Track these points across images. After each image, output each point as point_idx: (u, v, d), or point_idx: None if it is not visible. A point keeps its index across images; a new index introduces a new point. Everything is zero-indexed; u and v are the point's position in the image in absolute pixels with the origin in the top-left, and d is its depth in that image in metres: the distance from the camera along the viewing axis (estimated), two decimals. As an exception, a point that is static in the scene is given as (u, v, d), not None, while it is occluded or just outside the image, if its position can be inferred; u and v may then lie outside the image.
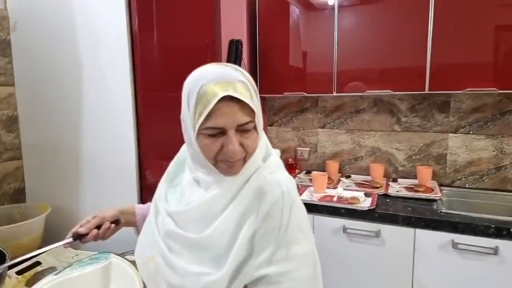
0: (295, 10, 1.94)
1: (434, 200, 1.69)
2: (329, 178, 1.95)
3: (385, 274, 1.59)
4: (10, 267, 1.03)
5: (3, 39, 1.60)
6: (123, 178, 1.46)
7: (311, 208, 1.65)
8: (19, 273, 1.13)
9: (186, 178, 0.82)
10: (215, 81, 0.68)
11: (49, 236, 1.47)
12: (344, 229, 1.61)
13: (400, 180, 2.00)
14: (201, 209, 0.73)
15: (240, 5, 1.92)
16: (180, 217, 0.76)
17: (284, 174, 0.77)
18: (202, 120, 0.68)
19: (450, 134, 1.96)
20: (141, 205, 1.04)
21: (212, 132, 0.69)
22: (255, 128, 0.73)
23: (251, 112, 0.70)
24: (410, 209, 1.59)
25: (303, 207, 0.77)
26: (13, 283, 1.06)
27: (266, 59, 2.00)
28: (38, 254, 0.94)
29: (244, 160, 0.73)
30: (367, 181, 1.98)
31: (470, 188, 1.94)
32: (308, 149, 2.27)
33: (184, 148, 0.90)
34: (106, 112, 1.46)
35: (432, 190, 1.80)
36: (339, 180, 2.02)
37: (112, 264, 0.98)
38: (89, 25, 1.45)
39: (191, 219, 0.74)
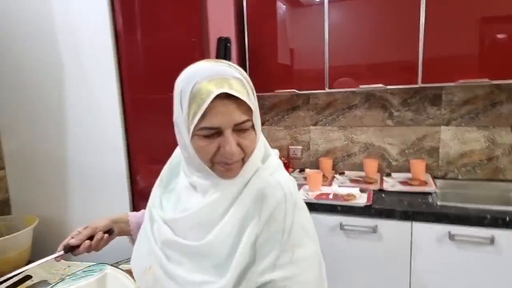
0: (284, 7, 1.91)
1: (429, 193, 1.69)
2: (323, 175, 1.93)
3: (383, 269, 1.58)
4: (-2, 283, 0.98)
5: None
6: (113, 184, 1.42)
7: (307, 206, 1.61)
8: (8, 288, 1.07)
9: (182, 183, 0.78)
10: (209, 79, 0.64)
11: (37, 249, 1.41)
12: (341, 226, 1.59)
13: (394, 174, 2.00)
14: (199, 215, 0.70)
15: (227, 1, 1.88)
16: (178, 225, 0.73)
17: (285, 174, 0.74)
18: (197, 120, 0.64)
19: (442, 127, 1.96)
20: (135, 212, 1.00)
21: (208, 132, 0.65)
22: (253, 127, 0.69)
23: (248, 110, 0.67)
24: (406, 203, 1.59)
25: (306, 208, 0.74)
26: (2, 300, 1.01)
27: (255, 56, 1.97)
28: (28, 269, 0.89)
29: (243, 161, 0.69)
30: (361, 177, 1.97)
31: (463, 179, 1.94)
32: (301, 147, 2.25)
33: (177, 152, 0.86)
34: (92, 115, 1.41)
35: (426, 183, 1.80)
36: (333, 177, 2.00)
37: (108, 276, 0.94)
38: (70, 25, 1.40)
39: (190, 226, 0.71)
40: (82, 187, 1.48)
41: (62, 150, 1.48)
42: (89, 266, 1.00)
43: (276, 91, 1.95)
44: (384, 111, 2.05)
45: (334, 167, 2.15)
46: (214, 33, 1.59)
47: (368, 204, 1.56)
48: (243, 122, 0.66)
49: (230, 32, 1.86)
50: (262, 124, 2.33)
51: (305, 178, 1.95)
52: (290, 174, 2.11)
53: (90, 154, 1.43)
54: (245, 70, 2.05)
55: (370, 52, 1.75)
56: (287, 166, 2.20)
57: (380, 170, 2.04)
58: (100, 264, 0.98)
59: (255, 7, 1.93)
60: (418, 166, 1.89)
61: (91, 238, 0.87)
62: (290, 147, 2.28)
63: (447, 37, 1.62)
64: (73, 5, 1.38)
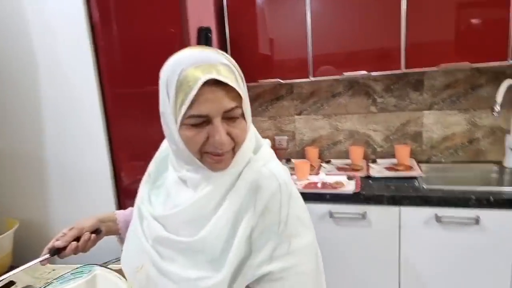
0: (264, -5, 1.88)
1: (414, 178, 1.71)
2: (310, 165, 1.92)
3: (373, 254, 1.60)
4: (-21, 292, 0.93)
5: None
6: (97, 183, 1.37)
7: (296, 196, 1.62)
8: (-10, 296, 1.02)
9: (171, 177, 0.75)
10: (196, 65, 0.62)
11: (20, 253, 1.35)
12: (331, 214, 1.60)
13: (379, 160, 2.02)
14: (191, 210, 0.67)
15: (207, -10, 1.83)
16: (169, 221, 0.70)
17: (278, 164, 0.73)
18: (185, 109, 0.61)
19: (425, 112, 1.98)
20: (122, 211, 0.96)
21: (196, 121, 0.63)
22: (243, 116, 0.67)
23: (238, 97, 0.64)
24: (393, 188, 1.60)
25: (300, 197, 0.73)
26: (-15, 309, 0.96)
27: (237, 46, 1.93)
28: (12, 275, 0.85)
29: (233, 152, 0.67)
30: (347, 165, 1.98)
31: (446, 162, 1.98)
32: (286, 137, 2.24)
33: (164, 145, 0.83)
34: (71, 112, 1.36)
35: (412, 168, 1.82)
36: (320, 166, 2.01)
37: (98, 277, 0.90)
38: (44, 20, 1.33)
39: (182, 222, 0.68)
40: (63, 187, 1.43)
41: (41, 150, 1.42)
42: (77, 268, 0.96)
43: (259, 81, 1.93)
44: (367, 98, 2.06)
45: (320, 156, 2.16)
46: (194, 24, 1.55)
47: (357, 191, 1.57)
48: (232, 109, 0.64)
49: (210, 22, 1.82)
50: (247, 115, 2.30)
51: (292, 168, 1.94)
52: (277, 164, 2.10)
53: (70, 152, 1.38)
54: (228, 61, 2.02)
55: (353, 40, 1.74)
56: (273, 156, 2.19)
57: (365, 157, 2.05)
58: (88, 265, 0.95)
59: (235, -5, 1.89)
60: (403, 151, 1.91)
61: (77, 239, 0.84)
62: (275, 137, 2.27)
63: (428, 23, 1.63)
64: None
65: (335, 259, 1.65)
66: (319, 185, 1.67)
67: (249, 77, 1.93)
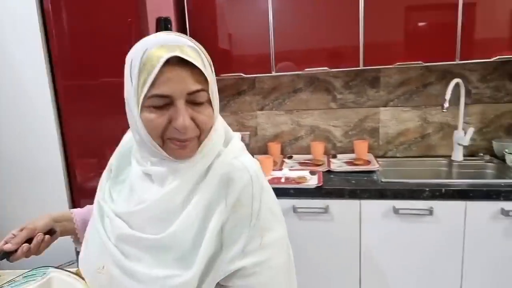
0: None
1: (373, 172, 1.77)
2: (273, 160, 1.93)
3: (335, 246, 1.63)
4: None
5: None
6: (49, 180, 1.28)
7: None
8: None
9: (134, 172, 0.70)
10: (160, 45, 0.60)
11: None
12: (295, 209, 1.61)
13: (339, 155, 2.07)
14: (158, 206, 0.64)
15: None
16: (133, 218, 0.66)
17: (249, 157, 0.71)
18: (147, 89, 0.58)
19: (381, 108, 2.06)
20: (79, 209, 0.90)
21: (158, 102, 0.60)
22: (209, 102, 0.64)
23: (204, 81, 0.62)
24: (353, 182, 1.65)
25: (271, 190, 0.72)
26: None
27: (197, 39, 1.87)
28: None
29: (199, 140, 0.64)
30: (309, 160, 2.01)
31: (401, 157, 2.08)
32: (248, 132, 2.23)
33: (127, 138, 0.79)
34: (20, 105, 1.25)
35: (370, 162, 1.89)
36: (282, 162, 2.02)
37: (53, 280, 0.83)
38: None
39: (148, 219, 0.65)
40: (12, 185, 1.31)
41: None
42: (30, 271, 0.88)
43: (221, 75, 1.90)
44: (327, 94, 2.11)
45: (282, 151, 2.17)
46: (152, 13, 1.49)
47: (319, 185, 1.60)
48: (198, 91, 0.61)
49: (169, 12, 1.76)
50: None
51: (255, 164, 1.93)
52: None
53: (19, 148, 1.28)
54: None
55: (315, 37, 1.77)
56: (235, 152, 2.17)
57: (326, 152, 2.10)
58: (42, 268, 0.87)
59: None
60: (361, 147, 1.98)
61: (29, 241, 0.77)
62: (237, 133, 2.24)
63: (384, 24, 1.71)
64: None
65: (298, 253, 1.67)
66: (282, 180, 1.68)
67: (211, 71, 1.90)
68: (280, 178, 1.71)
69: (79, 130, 1.29)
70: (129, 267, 0.63)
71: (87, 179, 1.30)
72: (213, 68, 0.66)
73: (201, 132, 0.64)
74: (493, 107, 1.96)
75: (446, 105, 1.73)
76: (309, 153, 2.09)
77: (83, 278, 0.73)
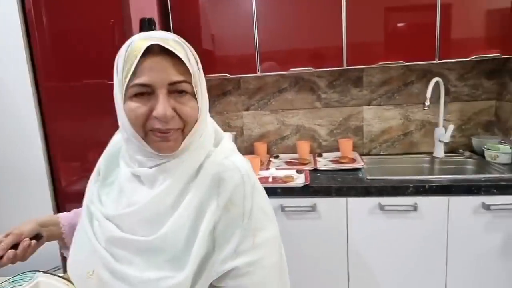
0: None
1: (358, 169, 1.80)
2: (259, 160, 1.93)
3: (323, 244, 1.65)
4: None
5: None
6: (32, 184, 1.24)
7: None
8: None
9: (123, 174, 0.70)
10: (145, 37, 0.61)
11: None
12: (282, 208, 1.62)
13: (325, 154, 2.09)
14: (149, 207, 0.63)
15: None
16: (124, 220, 0.65)
17: (240, 157, 0.71)
18: (129, 79, 0.60)
19: (365, 107, 2.10)
20: (66, 213, 0.88)
21: (139, 90, 0.60)
22: (193, 95, 0.64)
23: (187, 73, 0.62)
24: (340, 180, 1.67)
25: (263, 189, 0.72)
26: None
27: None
28: None
29: (183, 133, 0.64)
30: (295, 159, 2.02)
31: (384, 154, 2.11)
32: (234, 133, 2.22)
33: (114, 140, 0.78)
34: (3, 108, 1.21)
35: (355, 160, 1.92)
36: (269, 161, 2.02)
37: (41, 285, 0.81)
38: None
39: (139, 221, 0.64)
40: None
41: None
42: (16, 275, 0.85)
43: (206, 75, 1.88)
44: (312, 94, 2.13)
45: (268, 151, 2.18)
46: (135, 14, 1.47)
47: (306, 183, 1.61)
48: (179, 82, 0.61)
49: (152, 13, 1.74)
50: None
51: (241, 164, 1.93)
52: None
53: (1, 152, 1.23)
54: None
55: (299, 38, 1.79)
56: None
57: (312, 151, 2.12)
58: (29, 272, 0.84)
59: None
60: (346, 145, 2.00)
61: (15, 246, 0.74)
62: (223, 134, 2.24)
63: (366, 24, 1.74)
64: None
65: (287, 252, 1.65)
66: (270, 179, 1.69)
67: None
68: (268, 177, 1.71)
69: (63, 132, 1.26)
70: (120, 270, 0.62)
71: (71, 183, 1.27)
72: (200, 65, 0.66)
73: (185, 125, 0.63)
74: (471, 104, 2.03)
75: (427, 103, 1.77)
76: (295, 152, 2.10)
77: (72, 283, 0.72)
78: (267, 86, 2.15)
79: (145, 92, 0.61)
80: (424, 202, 1.55)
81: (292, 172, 1.75)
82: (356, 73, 2.06)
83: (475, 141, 1.96)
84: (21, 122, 1.20)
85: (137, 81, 0.60)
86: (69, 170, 1.27)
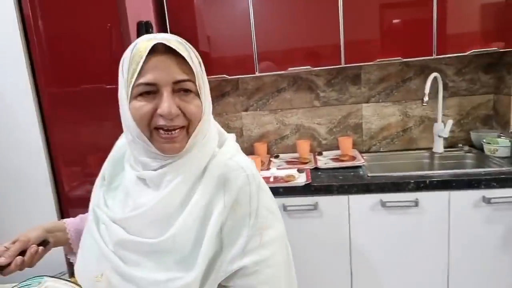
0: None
1: (359, 167, 1.81)
2: (260, 160, 1.94)
3: (325, 242, 1.66)
4: None
5: None
6: (35, 190, 1.24)
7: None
8: None
9: (128, 177, 0.70)
10: (149, 38, 0.63)
11: None
12: (285, 208, 1.62)
13: (325, 153, 2.10)
14: (157, 210, 0.64)
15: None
16: (131, 223, 0.66)
17: (244, 157, 0.72)
18: (135, 79, 0.61)
19: (363, 104, 2.11)
20: (72, 219, 0.88)
21: (144, 89, 0.61)
22: (197, 94, 0.65)
23: (191, 73, 0.63)
24: (341, 177, 1.68)
25: (268, 188, 0.73)
26: None
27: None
28: None
29: (188, 133, 0.65)
30: (296, 158, 2.03)
31: (384, 151, 2.12)
32: (234, 134, 2.23)
33: (119, 144, 0.78)
34: (4, 115, 1.21)
35: (355, 158, 1.92)
36: (269, 161, 2.03)
37: (50, 289, 0.81)
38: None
39: (146, 223, 0.65)
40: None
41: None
42: (23, 281, 0.86)
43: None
44: (311, 93, 2.13)
45: (268, 151, 2.18)
46: (132, 18, 1.48)
47: (308, 182, 1.61)
48: (184, 81, 0.63)
49: (149, 16, 1.75)
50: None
51: (242, 164, 1.94)
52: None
53: (4, 158, 1.23)
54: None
55: (297, 37, 1.79)
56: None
57: (312, 150, 2.12)
58: (37, 277, 0.85)
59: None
60: (346, 143, 2.01)
61: (22, 253, 0.75)
62: (223, 135, 2.24)
63: (363, 21, 1.75)
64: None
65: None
66: (271, 179, 1.69)
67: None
68: (269, 177, 1.72)
69: (65, 138, 1.27)
70: (129, 273, 0.63)
71: (74, 187, 1.27)
72: (203, 67, 0.67)
73: (190, 123, 0.64)
74: (469, 99, 2.04)
75: (426, 99, 1.78)
76: (295, 151, 2.11)
77: (80, 286, 0.72)
78: (265, 86, 2.16)
79: (150, 91, 0.62)
80: (425, 197, 1.56)
81: (293, 172, 1.76)
82: (354, 71, 2.07)
83: (474, 135, 1.97)
84: (23, 128, 1.21)
85: (142, 80, 0.61)
86: (71, 175, 1.27)
